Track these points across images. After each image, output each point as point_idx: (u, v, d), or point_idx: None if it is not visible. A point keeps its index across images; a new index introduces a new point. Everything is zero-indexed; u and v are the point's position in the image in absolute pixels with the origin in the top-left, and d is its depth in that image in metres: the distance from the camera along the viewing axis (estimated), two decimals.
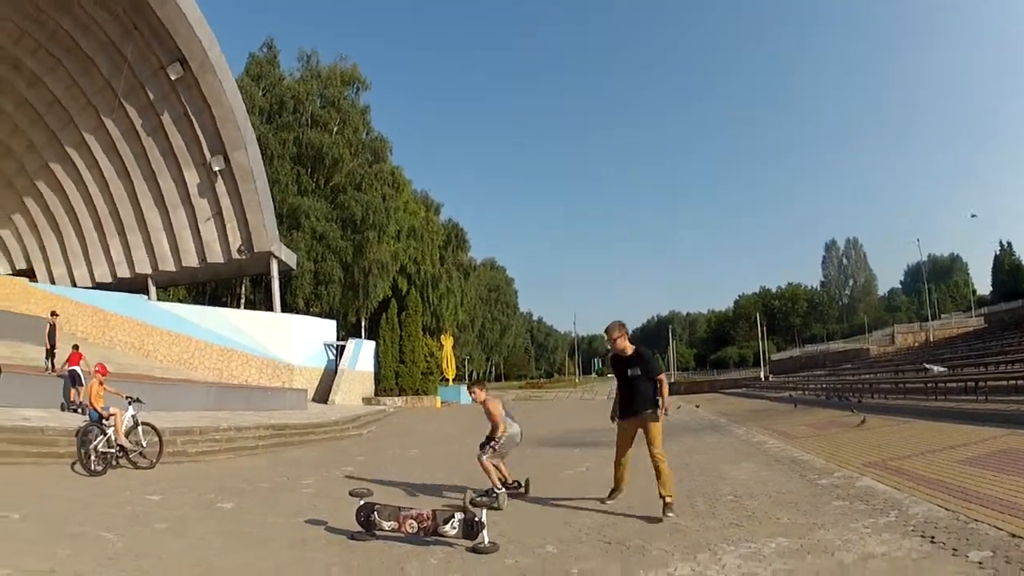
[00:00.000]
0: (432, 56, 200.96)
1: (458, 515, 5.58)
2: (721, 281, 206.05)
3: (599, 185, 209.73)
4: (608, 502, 7.01)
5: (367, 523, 5.79)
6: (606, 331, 6.93)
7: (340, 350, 30.82)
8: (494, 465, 7.73)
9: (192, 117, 26.86)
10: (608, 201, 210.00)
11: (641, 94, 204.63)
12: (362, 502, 5.89)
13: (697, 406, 28.80)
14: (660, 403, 6.65)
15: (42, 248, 32.26)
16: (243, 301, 40.51)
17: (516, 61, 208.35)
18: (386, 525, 5.72)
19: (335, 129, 43.05)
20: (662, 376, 6.82)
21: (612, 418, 7.15)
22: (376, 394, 32.09)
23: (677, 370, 74.23)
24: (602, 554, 5.09)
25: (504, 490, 7.49)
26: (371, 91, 49.09)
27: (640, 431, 6.71)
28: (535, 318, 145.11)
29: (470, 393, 8.67)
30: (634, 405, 6.73)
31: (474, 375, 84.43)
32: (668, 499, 6.33)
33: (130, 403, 10.63)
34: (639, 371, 6.72)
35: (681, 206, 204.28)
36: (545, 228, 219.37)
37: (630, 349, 6.81)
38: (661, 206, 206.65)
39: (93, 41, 25.42)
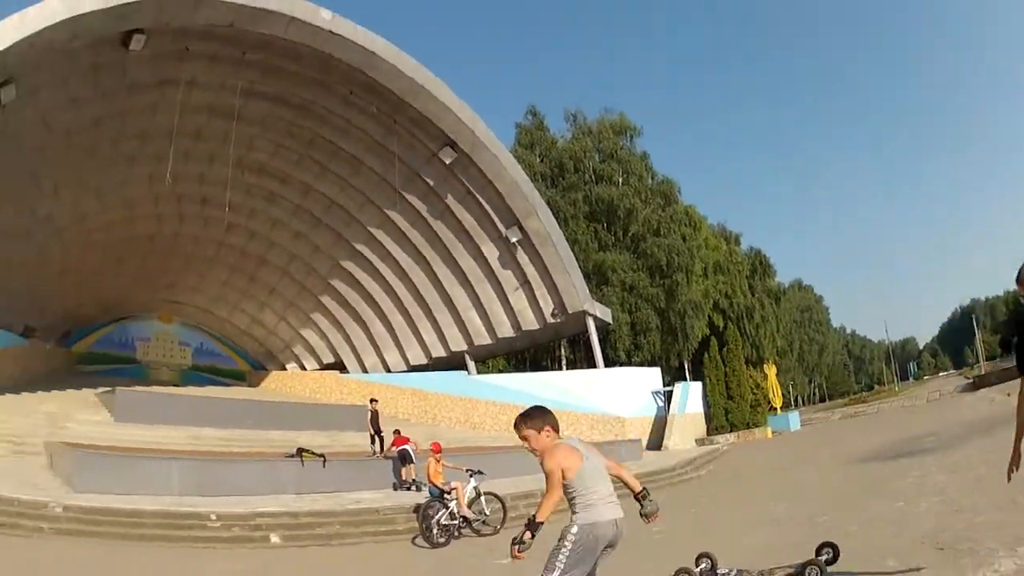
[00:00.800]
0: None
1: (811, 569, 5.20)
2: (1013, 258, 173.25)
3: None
4: None
5: None
6: (1019, 278, 4.13)
7: (668, 395, 30.96)
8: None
9: (476, 194, 28.65)
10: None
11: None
12: (700, 567, 5.61)
13: (1008, 394, 25.09)
14: None
15: (348, 341, 34.91)
16: (564, 362, 42.45)
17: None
18: None
19: (620, 180, 44.30)
20: None
21: None
22: (708, 433, 31.59)
23: (986, 359, 68.15)
24: (938, 561, 5.41)
25: None
26: (643, 136, 50.39)
27: None
28: (848, 332, 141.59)
29: (521, 438, 4.08)
30: None
31: (799, 400, 79.63)
32: None
33: (471, 475, 11.40)
34: None
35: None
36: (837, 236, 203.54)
37: None
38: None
39: (356, 142, 27.63)
